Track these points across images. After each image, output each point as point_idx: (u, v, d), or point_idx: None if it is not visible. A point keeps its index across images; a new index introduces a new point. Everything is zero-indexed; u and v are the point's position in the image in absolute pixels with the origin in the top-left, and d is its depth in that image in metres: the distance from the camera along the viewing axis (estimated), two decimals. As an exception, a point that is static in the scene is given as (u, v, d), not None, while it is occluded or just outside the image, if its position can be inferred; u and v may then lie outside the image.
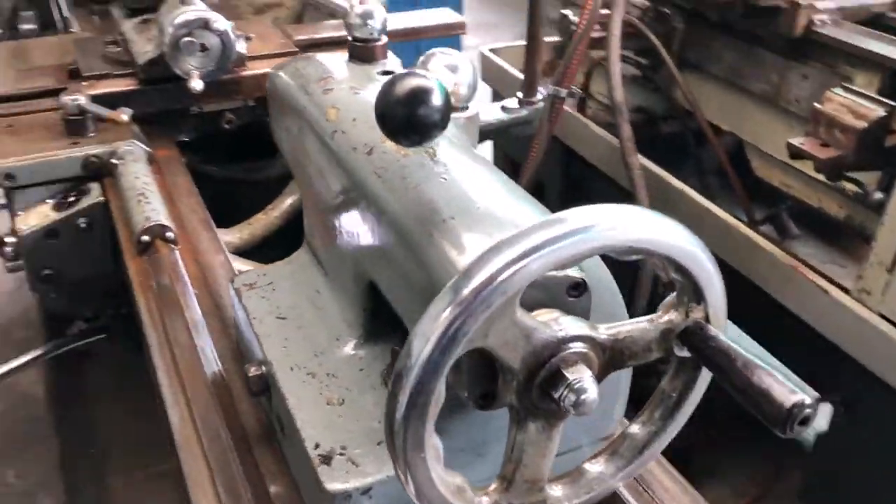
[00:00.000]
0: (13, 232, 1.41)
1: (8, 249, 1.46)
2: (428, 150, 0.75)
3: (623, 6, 2.43)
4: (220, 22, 1.35)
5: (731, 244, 2.21)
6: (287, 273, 0.99)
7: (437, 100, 0.62)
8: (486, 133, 1.85)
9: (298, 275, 0.97)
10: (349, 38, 0.98)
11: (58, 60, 1.77)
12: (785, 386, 0.54)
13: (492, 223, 0.67)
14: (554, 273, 0.62)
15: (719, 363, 0.59)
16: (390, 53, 1.01)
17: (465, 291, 0.53)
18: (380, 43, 0.98)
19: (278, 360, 0.86)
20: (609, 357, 0.62)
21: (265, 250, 1.54)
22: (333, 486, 0.72)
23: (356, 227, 0.81)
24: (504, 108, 1.81)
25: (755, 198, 2.48)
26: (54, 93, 1.56)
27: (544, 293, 0.62)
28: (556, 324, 0.59)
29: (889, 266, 1.85)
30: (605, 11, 2.78)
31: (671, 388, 0.66)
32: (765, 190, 2.48)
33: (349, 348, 0.87)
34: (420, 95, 0.61)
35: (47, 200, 1.43)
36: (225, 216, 1.56)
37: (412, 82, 0.62)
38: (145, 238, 1.22)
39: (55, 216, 1.40)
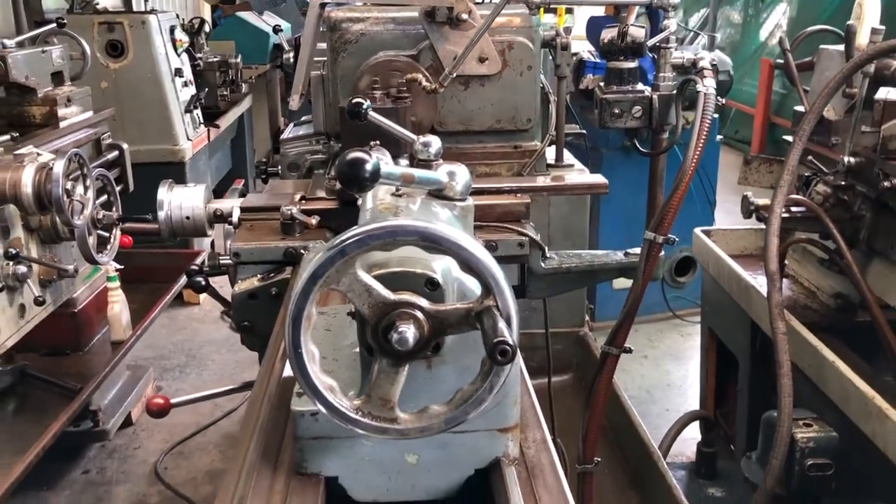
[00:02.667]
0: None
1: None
2: (398, 210, 1.18)
3: (787, 187, 2.66)
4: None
5: (872, 419, 2.25)
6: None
7: (367, 166, 1.06)
8: (611, 270, 2.16)
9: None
10: (417, 159, 1.45)
11: (304, 190, 2.47)
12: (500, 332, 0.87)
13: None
14: (415, 270, 1.01)
15: (484, 329, 0.92)
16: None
17: (325, 251, 0.94)
18: (434, 162, 1.44)
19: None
20: (436, 324, 0.98)
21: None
22: (296, 407, 1.13)
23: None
24: (626, 254, 2.13)
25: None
26: (284, 208, 2.21)
27: (410, 282, 1.01)
28: (397, 294, 0.97)
29: None
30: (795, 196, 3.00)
31: (486, 360, 0.99)
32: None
33: (356, 349, 1.28)
34: (356, 162, 1.06)
35: (258, 275, 2.05)
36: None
37: (355, 154, 1.07)
38: (295, 295, 1.75)
39: (258, 284, 2.00)
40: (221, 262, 2.22)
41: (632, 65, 2.13)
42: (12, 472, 2.69)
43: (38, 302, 2.83)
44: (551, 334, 2.85)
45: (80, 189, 2.80)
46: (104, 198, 3.23)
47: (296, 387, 1.18)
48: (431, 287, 1.01)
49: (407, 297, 0.97)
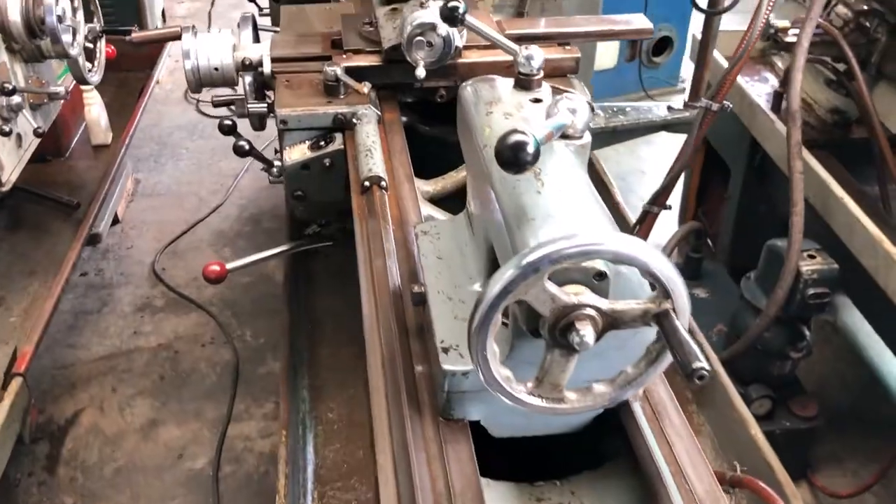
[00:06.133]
0: (280, 160, 2.00)
1: (275, 170, 2.08)
2: (535, 170, 1.17)
3: (816, 18, 2.61)
4: (443, 28, 1.81)
5: (876, 255, 2.40)
6: (450, 228, 1.45)
7: (529, 149, 1.04)
8: (655, 126, 2.18)
9: (457, 231, 1.44)
10: (517, 72, 1.39)
11: (326, 28, 2.32)
12: (694, 356, 0.93)
13: (560, 226, 1.08)
14: (586, 264, 1.03)
15: (668, 338, 0.97)
16: (544, 84, 1.41)
17: (516, 268, 0.96)
18: (537, 77, 1.38)
19: (431, 284, 1.33)
20: (610, 320, 1.02)
21: (452, 200, 2.01)
22: (447, 367, 1.19)
23: (487, 209, 1.25)
24: (669, 109, 2.13)
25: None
26: (319, 59, 2.10)
27: (580, 275, 1.03)
28: (575, 295, 1.00)
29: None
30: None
31: (653, 349, 1.05)
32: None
33: (476, 286, 1.32)
34: (518, 146, 1.03)
35: (306, 141, 1.99)
36: (429, 168, 2.04)
37: (515, 138, 1.04)
38: (367, 183, 1.73)
39: (309, 154, 1.96)
40: (252, 110, 2.15)
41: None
42: (45, 310, 2.73)
43: (38, 134, 2.69)
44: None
45: (68, 11, 2.56)
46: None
47: (439, 342, 1.23)
48: (599, 278, 1.04)
49: (585, 297, 1.00)
